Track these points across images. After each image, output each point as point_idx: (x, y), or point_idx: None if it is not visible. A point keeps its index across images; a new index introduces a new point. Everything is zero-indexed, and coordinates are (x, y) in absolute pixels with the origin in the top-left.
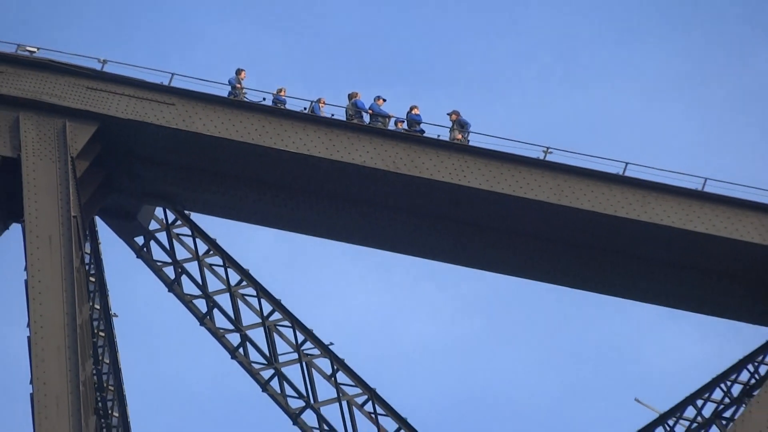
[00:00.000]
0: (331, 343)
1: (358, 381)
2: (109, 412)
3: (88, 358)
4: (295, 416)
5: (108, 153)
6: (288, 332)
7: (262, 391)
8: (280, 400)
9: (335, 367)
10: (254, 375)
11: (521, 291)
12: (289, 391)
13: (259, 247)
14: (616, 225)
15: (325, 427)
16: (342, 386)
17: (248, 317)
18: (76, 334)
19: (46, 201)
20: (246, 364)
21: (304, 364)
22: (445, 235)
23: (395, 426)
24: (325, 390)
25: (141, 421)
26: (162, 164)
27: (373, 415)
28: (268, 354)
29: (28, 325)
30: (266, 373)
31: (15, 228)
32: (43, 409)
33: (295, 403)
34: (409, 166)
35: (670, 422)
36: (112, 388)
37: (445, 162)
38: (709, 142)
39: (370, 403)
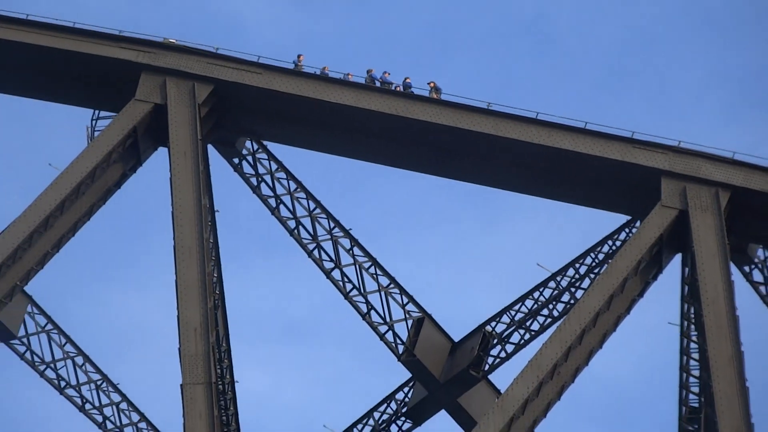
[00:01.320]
0: (351, 228)
1: (366, 253)
2: (213, 267)
3: (207, 230)
4: (327, 273)
5: (219, 103)
6: (324, 221)
7: (308, 257)
8: (318, 263)
9: (352, 244)
10: (303, 247)
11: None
12: (324, 257)
13: (310, 165)
14: (546, 152)
15: (346, 280)
16: (356, 256)
17: (300, 211)
18: (201, 212)
19: (183, 131)
20: (298, 240)
21: (333, 241)
22: (427, 154)
23: (387, 281)
24: (345, 257)
25: (228, 263)
26: (252, 111)
27: (374, 276)
28: (312, 233)
29: (172, 205)
30: (311, 246)
31: (161, 150)
32: (180, 255)
33: (328, 265)
34: (405, 112)
35: (558, 278)
36: (213, 258)
37: (426, 109)
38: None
39: (373, 267)
